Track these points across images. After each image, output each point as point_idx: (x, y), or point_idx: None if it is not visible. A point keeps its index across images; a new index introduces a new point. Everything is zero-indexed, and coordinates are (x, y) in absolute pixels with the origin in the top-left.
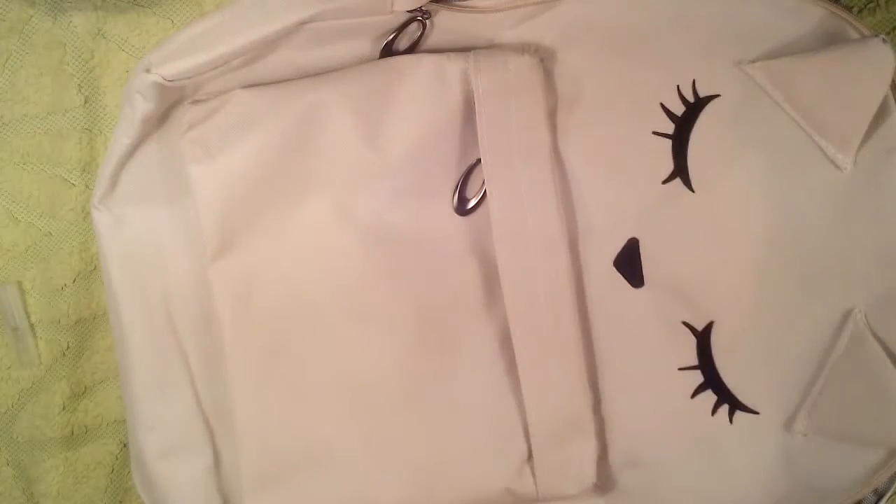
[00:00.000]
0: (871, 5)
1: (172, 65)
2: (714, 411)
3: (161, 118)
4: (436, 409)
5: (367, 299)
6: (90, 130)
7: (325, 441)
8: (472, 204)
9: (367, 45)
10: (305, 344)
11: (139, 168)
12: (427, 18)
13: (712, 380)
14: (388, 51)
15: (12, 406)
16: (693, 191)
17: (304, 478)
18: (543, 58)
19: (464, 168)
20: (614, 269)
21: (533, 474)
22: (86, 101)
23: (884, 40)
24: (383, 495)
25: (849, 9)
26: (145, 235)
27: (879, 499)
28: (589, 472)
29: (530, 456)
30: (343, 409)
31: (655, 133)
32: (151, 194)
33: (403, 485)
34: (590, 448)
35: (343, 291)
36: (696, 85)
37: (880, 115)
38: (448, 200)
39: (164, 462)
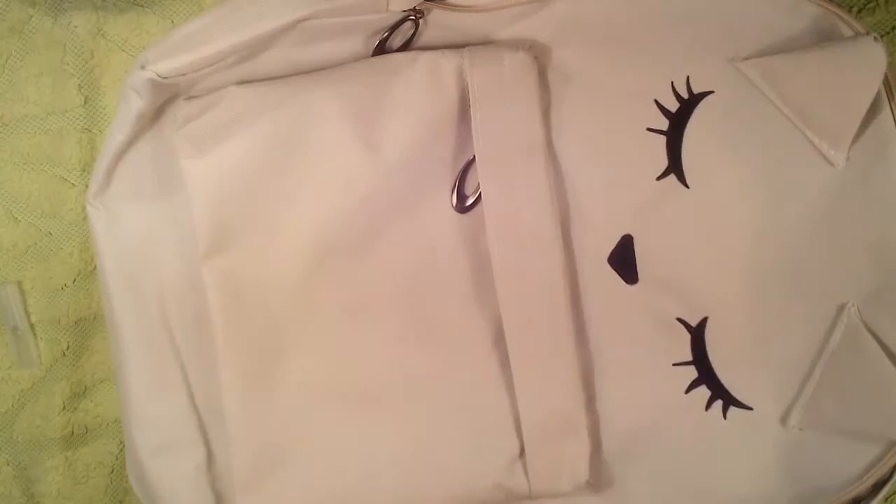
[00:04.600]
0: (871, 5)
1: (167, 62)
2: (708, 407)
3: (156, 115)
4: (428, 405)
5: (361, 297)
6: (90, 130)
7: (318, 438)
8: (470, 201)
9: (360, 43)
10: (298, 341)
11: (134, 165)
12: (420, 17)
13: (706, 375)
14: (381, 48)
15: (12, 406)
16: (687, 187)
17: (295, 475)
18: (538, 55)
19: (461, 165)
20: (608, 265)
21: (525, 470)
22: (86, 101)
23: (875, 38)
24: (375, 490)
25: (848, 9)
26: (140, 232)
27: (878, 493)
28: (582, 469)
29: (522, 452)
30: (335, 406)
31: (650, 129)
32: (146, 191)
33: (395, 480)
34: (582, 444)
35: (337, 289)
36: (690, 81)
37: (872, 112)
38: (446, 198)
39: (157, 459)
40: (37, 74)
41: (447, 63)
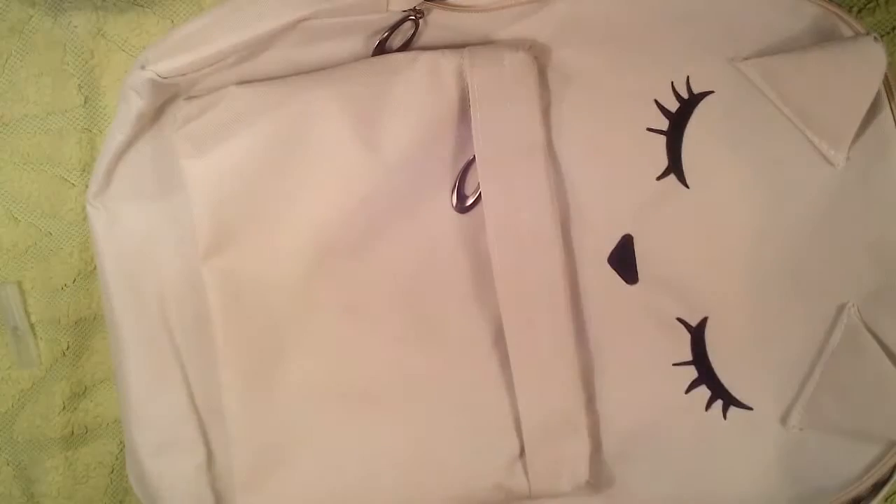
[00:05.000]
0: (871, 5)
1: (167, 62)
2: (708, 407)
3: (156, 115)
4: (428, 405)
5: (361, 297)
6: (90, 130)
7: (318, 438)
8: (470, 201)
9: (360, 43)
10: (298, 341)
11: (134, 165)
12: (420, 17)
13: (706, 375)
14: (381, 48)
15: (12, 406)
16: (687, 187)
17: (295, 475)
18: (538, 55)
19: (461, 165)
20: (608, 265)
21: (525, 470)
22: (86, 101)
23: (875, 38)
24: (375, 490)
25: (848, 9)
26: (140, 232)
27: (878, 493)
28: (582, 469)
29: (522, 452)
30: (335, 406)
31: (650, 129)
32: (146, 191)
33: (394, 480)
34: (582, 444)
35: (337, 289)
36: (690, 81)
37: (872, 112)
38: (446, 198)
39: (157, 459)
40: (37, 74)
41: (447, 63)
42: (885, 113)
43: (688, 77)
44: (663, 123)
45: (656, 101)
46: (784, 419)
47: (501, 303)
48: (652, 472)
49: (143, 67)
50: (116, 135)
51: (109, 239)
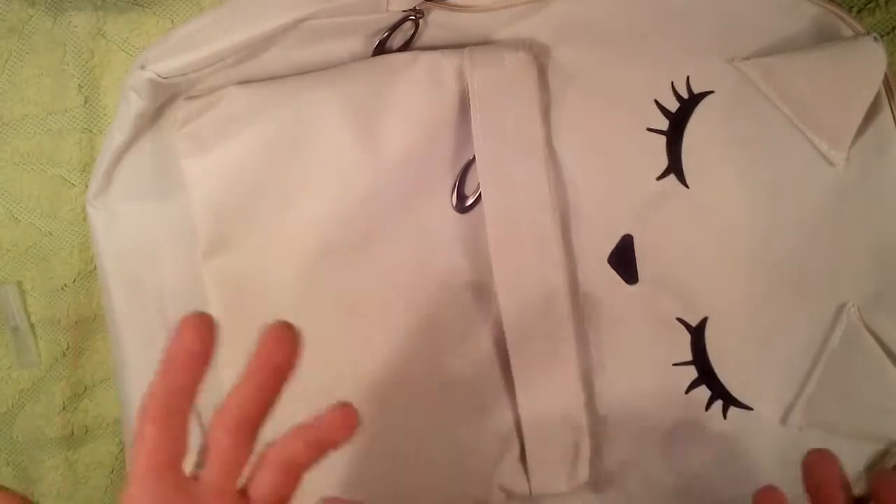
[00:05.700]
0: (871, 5)
1: (167, 62)
2: (708, 407)
3: (156, 115)
4: (427, 405)
5: (361, 297)
6: (90, 130)
7: None
8: (470, 201)
9: (360, 43)
10: None
11: (134, 165)
12: (420, 17)
13: (706, 375)
14: (381, 48)
15: (12, 406)
16: (687, 186)
17: None
18: (538, 55)
19: (461, 165)
20: (608, 265)
21: (525, 470)
22: (86, 101)
23: (875, 38)
24: (375, 492)
25: (848, 9)
26: (140, 232)
27: None
28: (582, 470)
29: (522, 452)
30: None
31: (650, 129)
32: (146, 191)
33: (395, 481)
34: (583, 445)
35: (337, 289)
36: (690, 81)
37: (872, 112)
38: (446, 198)
39: None
40: (37, 74)
41: (447, 63)
42: (885, 113)
43: (688, 77)
44: (663, 123)
45: (656, 101)
46: (784, 419)
47: (501, 303)
48: (652, 472)
49: (143, 67)
50: (116, 135)
51: (109, 239)
